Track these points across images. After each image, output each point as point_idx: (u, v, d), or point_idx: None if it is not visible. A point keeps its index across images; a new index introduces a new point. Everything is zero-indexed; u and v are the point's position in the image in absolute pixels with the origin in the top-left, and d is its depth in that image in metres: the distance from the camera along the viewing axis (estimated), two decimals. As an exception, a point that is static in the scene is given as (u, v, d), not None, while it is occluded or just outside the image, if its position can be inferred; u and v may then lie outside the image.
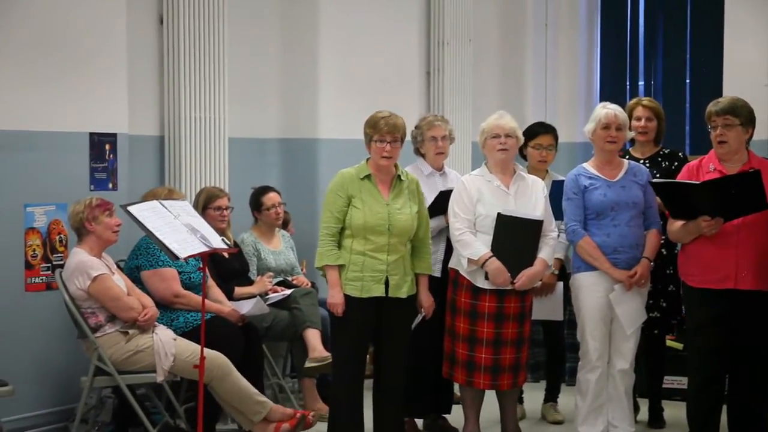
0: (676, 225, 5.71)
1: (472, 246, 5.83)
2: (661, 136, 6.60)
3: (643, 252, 5.97)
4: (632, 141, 6.57)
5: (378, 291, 5.65)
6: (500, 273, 5.80)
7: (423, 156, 6.43)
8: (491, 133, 5.95)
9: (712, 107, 5.67)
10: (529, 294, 6.01)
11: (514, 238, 5.84)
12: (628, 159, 6.29)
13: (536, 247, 5.90)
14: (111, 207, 5.99)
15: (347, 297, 5.63)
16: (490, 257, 5.79)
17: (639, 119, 6.50)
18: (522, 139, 6.08)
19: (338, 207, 5.66)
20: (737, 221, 5.51)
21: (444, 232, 6.22)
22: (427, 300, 5.85)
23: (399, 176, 5.78)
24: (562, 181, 6.26)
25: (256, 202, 7.23)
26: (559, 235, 6.13)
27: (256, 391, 6.00)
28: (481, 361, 5.88)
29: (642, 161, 6.42)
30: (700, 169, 5.70)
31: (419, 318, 5.90)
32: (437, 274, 6.14)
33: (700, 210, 5.51)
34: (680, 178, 5.79)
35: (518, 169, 6.06)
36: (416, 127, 6.42)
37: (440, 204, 6.12)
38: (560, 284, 6.51)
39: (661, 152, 6.53)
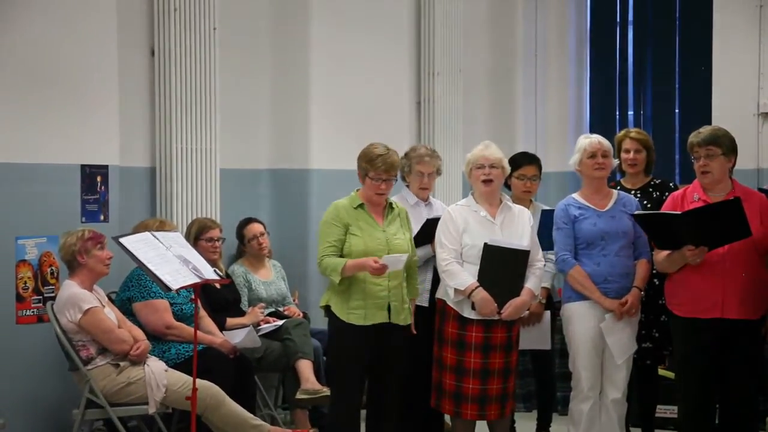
0: (661, 255, 5.72)
1: (459, 276, 5.82)
2: (651, 166, 6.60)
3: (634, 281, 5.98)
4: (623, 172, 6.59)
5: (381, 317, 5.69)
6: (487, 303, 5.79)
7: (407, 184, 6.46)
8: (476, 163, 5.96)
9: (693, 138, 5.70)
10: (516, 324, 5.99)
11: (501, 268, 5.83)
12: (619, 189, 6.31)
13: (523, 277, 5.89)
14: (103, 240, 5.99)
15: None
16: (476, 287, 5.78)
17: (628, 151, 6.49)
18: (508, 169, 6.08)
19: (336, 236, 5.69)
20: (722, 249, 5.53)
21: (431, 261, 6.21)
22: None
23: (390, 204, 5.85)
24: (552, 210, 6.28)
25: (240, 234, 7.25)
26: (545, 264, 6.12)
27: (251, 415, 6.00)
28: (468, 391, 5.86)
29: (633, 192, 6.43)
30: (685, 198, 5.73)
31: None
32: (425, 303, 6.16)
33: (684, 239, 5.52)
34: (665, 208, 5.82)
35: (505, 199, 6.08)
36: (405, 156, 6.42)
37: (427, 232, 6.13)
38: (548, 313, 6.52)
39: (652, 182, 6.54)
